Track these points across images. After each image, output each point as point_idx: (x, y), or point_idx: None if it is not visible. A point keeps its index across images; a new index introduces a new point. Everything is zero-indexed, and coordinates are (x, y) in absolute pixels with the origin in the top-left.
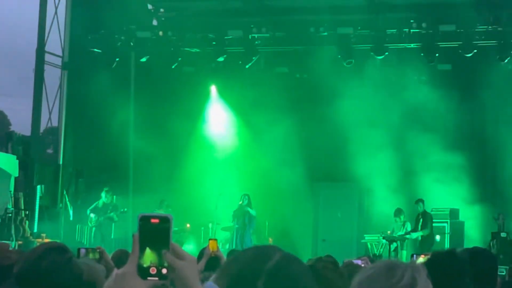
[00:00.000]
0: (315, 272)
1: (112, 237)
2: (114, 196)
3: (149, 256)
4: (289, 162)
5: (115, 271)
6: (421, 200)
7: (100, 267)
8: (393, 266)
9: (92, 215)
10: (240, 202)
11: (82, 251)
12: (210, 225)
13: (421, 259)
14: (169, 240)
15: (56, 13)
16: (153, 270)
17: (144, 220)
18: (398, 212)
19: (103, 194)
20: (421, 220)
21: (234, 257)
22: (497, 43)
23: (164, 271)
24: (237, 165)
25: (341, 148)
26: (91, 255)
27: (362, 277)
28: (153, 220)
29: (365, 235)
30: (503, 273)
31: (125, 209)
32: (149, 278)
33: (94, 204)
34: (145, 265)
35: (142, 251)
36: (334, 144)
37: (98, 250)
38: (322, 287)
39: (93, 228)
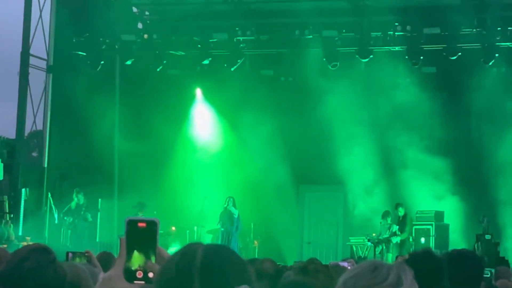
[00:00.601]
0: (306, 274)
1: (98, 240)
2: (82, 197)
3: (136, 260)
4: (275, 165)
5: (102, 274)
6: (400, 204)
7: (83, 268)
8: (378, 265)
9: (65, 217)
10: (225, 205)
11: (70, 255)
12: (195, 228)
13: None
14: (156, 244)
15: (40, 16)
16: (139, 274)
17: (132, 224)
18: (385, 215)
19: (74, 196)
20: (399, 225)
21: (160, 271)
22: (481, 46)
23: (151, 274)
24: (222, 167)
25: (327, 150)
26: (78, 259)
27: (347, 276)
28: (140, 224)
29: (350, 238)
30: (488, 275)
31: (99, 208)
32: (135, 281)
33: (67, 207)
34: (132, 269)
35: (129, 254)
36: (320, 146)
37: (86, 254)
38: None
39: (69, 231)
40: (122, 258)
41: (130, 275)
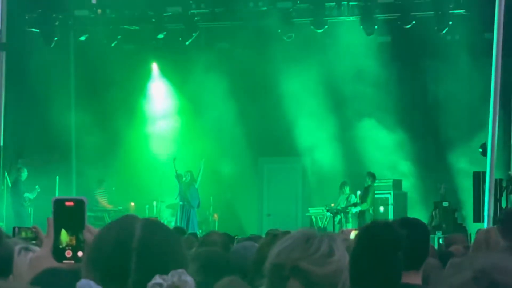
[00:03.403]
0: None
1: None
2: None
3: (64, 239)
4: (233, 138)
5: (30, 255)
6: (370, 174)
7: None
8: (310, 236)
9: (27, 194)
10: (184, 179)
11: (16, 230)
12: (154, 203)
13: (353, 233)
14: (84, 222)
15: None
16: (68, 253)
17: (59, 203)
18: (342, 185)
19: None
20: (361, 194)
21: (95, 245)
22: (435, 13)
23: (80, 253)
24: (180, 142)
25: (285, 122)
26: (24, 234)
27: (280, 248)
28: (67, 203)
29: (309, 209)
30: (442, 242)
31: (37, 187)
32: (64, 261)
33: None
34: (60, 247)
35: (57, 234)
36: (278, 118)
37: (33, 230)
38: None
39: (30, 209)
40: (50, 238)
41: (59, 254)
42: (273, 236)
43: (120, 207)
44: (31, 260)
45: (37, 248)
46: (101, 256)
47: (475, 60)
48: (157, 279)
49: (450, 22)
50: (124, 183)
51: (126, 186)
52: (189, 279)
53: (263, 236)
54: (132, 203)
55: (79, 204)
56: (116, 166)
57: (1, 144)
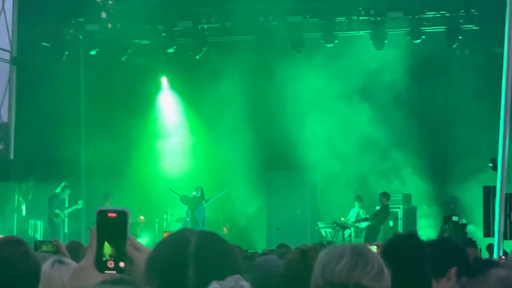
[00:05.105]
0: (305, 258)
1: (66, 231)
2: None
3: (107, 250)
4: (242, 152)
5: (74, 265)
6: (385, 194)
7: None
8: (362, 252)
9: (60, 212)
10: (194, 193)
11: (37, 243)
12: (164, 216)
13: (373, 247)
14: (126, 233)
15: (3, 7)
16: (110, 264)
17: (102, 214)
18: (354, 199)
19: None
20: (376, 211)
21: (153, 255)
22: (445, 28)
23: (122, 264)
24: (189, 156)
25: (294, 136)
26: (44, 248)
27: (336, 266)
28: (110, 214)
29: (318, 223)
30: None
31: (80, 202)
32: (106, 271)
33: (74, 207)
34: (103, 259)
35: (99, 244)
36: (287, 132)
37: (54, 243)
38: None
39: (38, 222)
40: (93, 248)
41: (101, 265)
42: (302, 252)
43: (130, 221)
44: (74, 270)
45: (70, 261)
46: (159, 265)
47: (484, 75)
48: (215, 284)
49: (460, 37)
50: (134, 197)
51: (136, 199)
52: (246, 284)
53: (275, 249)
54: (142, 217)
55: (122, 215)
56: (125, 180)
57: (12, 158)
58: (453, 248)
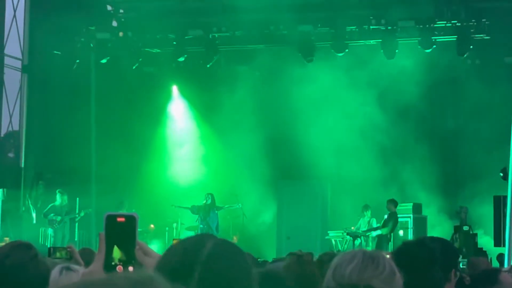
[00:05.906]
0: (301, 262)
1: (76, 238)
2: (66, 197)
3: (115, 254)
4: (253, 160)
5: (82, 270)
6: (392, 201)
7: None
8: (374, 255)
9: (53, 215)
10: (204, 201)
11: (52, 250)
12: (174, 225)
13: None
14: (135, 238)
15: (15, 16)
16: (119, 268)
17: (110, 219)
18: (364, 208)
19: (57, 196)
20: (385, 219)
21: (168, 251)
22: (456, 38)
23: (131, 268)
24: (199, 164)
25: (304, 145)
26: (58, 254)
27: (346, 268)
28: (119, 219)
29: (329, 232)
30: (464, 267)
31: (90, 209)
32: None
33: (50, 206)
34: (112, 263)
35: (108, 249)
36: (297, 141)
37: (68, 249)
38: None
39: (49, 230)
40: (102, 253)
41: (110, 269)
42: (298, 257)
43: (140, 229)
44: (83, 275)
45: (78, 267)
46: (168, 268)
47: (495, 84)
48: None
49: (471, 47)
50: (144, 205)
51: (146, 208)
52: None
53: (285, 258)
54: (152, 225)
55: (130, 220)
56: (136, 188)
57: (23, 165)
58: (452, 250)
